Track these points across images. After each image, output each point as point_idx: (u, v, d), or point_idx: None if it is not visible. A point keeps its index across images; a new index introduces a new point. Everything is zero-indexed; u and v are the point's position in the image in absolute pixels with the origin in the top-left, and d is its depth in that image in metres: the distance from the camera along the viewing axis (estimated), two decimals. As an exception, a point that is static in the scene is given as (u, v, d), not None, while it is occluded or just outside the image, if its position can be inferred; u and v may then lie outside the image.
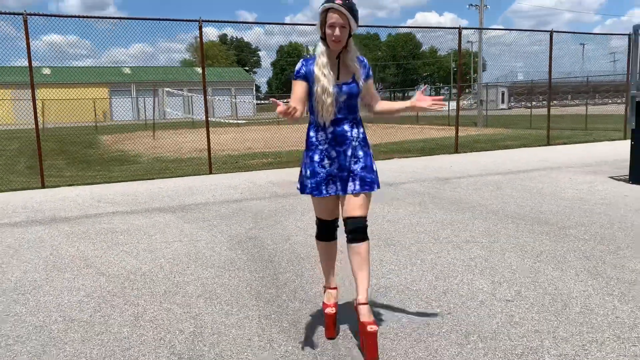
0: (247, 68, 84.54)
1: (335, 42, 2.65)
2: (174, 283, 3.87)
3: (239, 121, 27.81)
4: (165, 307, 3.40)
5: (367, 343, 2.54)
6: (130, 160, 13.39)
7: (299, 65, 2.77)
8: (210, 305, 3.42)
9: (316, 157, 2.76)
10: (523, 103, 55.08)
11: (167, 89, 26.76)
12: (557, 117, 24.97)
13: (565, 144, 13.74)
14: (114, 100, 55.22)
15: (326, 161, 2.75)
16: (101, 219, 6.17)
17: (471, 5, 37.84)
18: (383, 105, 2.93)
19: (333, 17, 2.62)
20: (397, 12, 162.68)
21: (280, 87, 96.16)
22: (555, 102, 53.36)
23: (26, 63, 8.40)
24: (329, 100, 2.66)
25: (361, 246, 2.66)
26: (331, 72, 2.68)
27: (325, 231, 2.93)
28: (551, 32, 12.46)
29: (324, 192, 2.76)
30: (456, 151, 12.26)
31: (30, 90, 8.66)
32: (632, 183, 7.34)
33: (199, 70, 66.90)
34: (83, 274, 4.16)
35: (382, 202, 6.53)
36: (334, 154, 2.74)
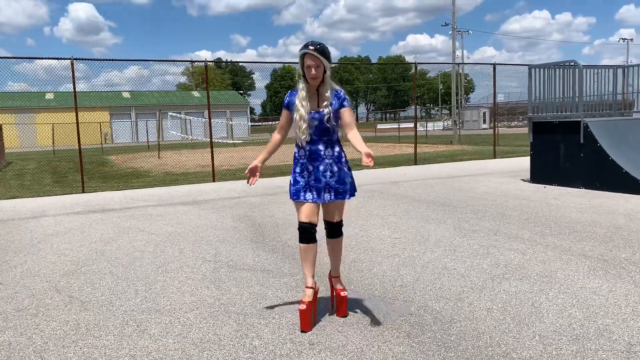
0: (241, 92, 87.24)
1: (312, 79, 3.31)
2: (201, 237, 6.28)
3: (235, 141, 30.29)
4: (196, 246, 5.80)
5: (339, 305, 3.51)
6: (143, 175, 15.77)
7: (285, 97, 3.52)
8: (225, 245, 5.83)
9: (297, 169, 3.43)
10: (504, 123, 57.98)
11: (171, 113, 29.30)
12: (523, 135, 27.60)
13: (510, 157, 16.26)
14: (114, 124, 57.62)
15: (305, 173, 3.40)
16: (138, 209, 8.57)
17: (459, 30, 40.84)
18: (352, 137, 3.30)
19: (308, 61, 3.27)
20: (388, 34, 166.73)
21: (273, 109, 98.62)
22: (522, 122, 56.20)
23: (24, 89, 10.78)
24: (303, 125, 3.34)
25: (337, 240, 3.57)
26: (308, 103, 3.35)
27: (305, 234, 3.38)
28: (494, 65, 15.08)
29: (302, 197, 3.39)
30: (415, 163, 14.74)
31: (33, 115, 10.98)
32: (532, 182, 9.81)
33: (195, 94, 69.58)
34: (140, 234, 6.55)
35: (342, 196, 8.98)
36: (310, 167, 3.38)
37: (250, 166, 3.50)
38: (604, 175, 8.47)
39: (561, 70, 9.25)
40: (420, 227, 6.31)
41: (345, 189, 3.43)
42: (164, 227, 6.92)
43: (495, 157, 16.01)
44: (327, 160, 3.40)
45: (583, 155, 8.80)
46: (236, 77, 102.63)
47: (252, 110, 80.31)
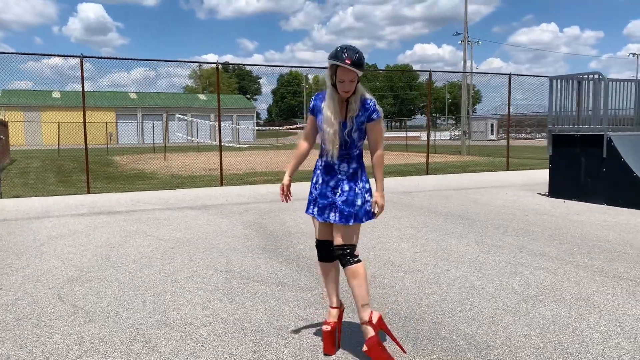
0: (248, 96, 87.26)
1: (344, 92, 2.88)
2: (211, 244, 6.01)
3: (241, 145, 30.09)
4: (207, 254, 5.54)
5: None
6: (148, 177, 15.53)
7: (311, 101, 3.12)
8: (236, 253, 5.56)
9: (314, 179, 3.12)
10: (512, 135, 57.69)
11: (178, 115, 29.12)
12: (530, 148, 27.34)
13: (522, 169, 15.97)
14: (120, 124, 57.58)
15: (318, 185, 3.08)
16: (145, 213, 8.31)
17: (461, 41, 40.56)
18: (374, 163, 3.04)
19: (342, 75, 2.81)
20: (396, 43, 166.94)
21: (280, 114, 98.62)
22: (542, 134, 55.94)
23: (30, 87, 10.55)
24: (337, 142, 2.95)
25: (347, 269, 2.94)
26: (339, 115, 2.93)
27: (320, 251, 3.14)
28: (509, 75, 14.82)
29: (310, 211, 3.12)
30: (427, 173, 14.46)
31: (39, 113, 10.78)
32: (550, 196, 9.52)
33: (202, 97, 69.55)
34: (147, 239, 6.29)
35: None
36: (322, 181, 3.07)
37: (280, 186, 3.21)
38: (627, 191, 8.18)
39: (585, 82, 8.97)
40: (440, 240, 6.03)
41: (350, 212, 2.95)
42: (172, 233, 6.66)
43: (508, 169, 15.71)
44: (339, 176, 3.03)
45: (605, 170, 8.51)
46: (243, 82, 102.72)
47: (257, 115, 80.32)
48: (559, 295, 4.08)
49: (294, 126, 40.28)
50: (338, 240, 3.00)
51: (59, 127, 31.94)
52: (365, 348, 2.92)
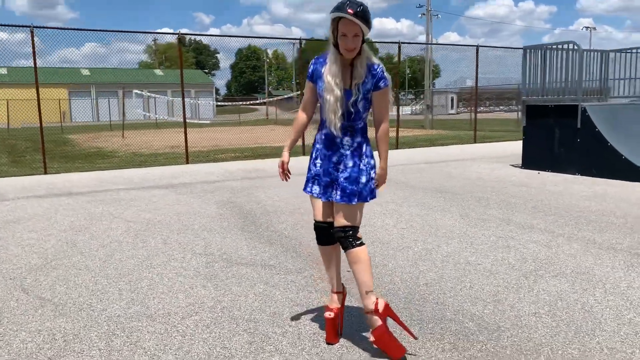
0: (206, 70, 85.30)
1: (348, 51, 2.58)
2: (184, 225, 5.65)
3: (203, 122, 29.32)
4: (181, 236, 5.18)
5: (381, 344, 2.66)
6: (109, 155, 14.84)
7: (310, 65, 2.79)
8: (213, 235, 5.23)
9: (313, 154, 2.84)
10: (471, 108, 58.36)
11: (136, 91, 28.02)
12: (493, 120, 27.62)
13: (489, 142, 16.03)
14: (73, 102, 55.37)
15: (318, 161, 2.80)
16: (109, 193, 7.83)
17: (423, 14, 40.42)
18: (379, 138, 2.79)
19: (344, 27, 2.52)
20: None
21: (239, 89, 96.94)
22: (501, 107, 56.86)
23: None
24: (340, 110, 2.65)
25: (350, 253, 2.69)
26: (342, 80, 2.65)
27: (320, 234, 2.87)
28: (477, 47, 14.71)
29: (308, 189, 2.84)
30: (397, 147, 14.31)
31: None
32: (523, 168, 9.50)
33: (158, 72, 67.54)
34: (114, 221, 5.87)
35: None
36: (323, 156, 2.77)
37: (279, 164, 2.88)
38: (601, 161, 8.19)
39: (558, 52, 8.89)
40: (425, 215, 5.84)
41: (354, 190, 2.68)
42: (141, 214, 6.26)
43: (475, 142, 15.73)
44: (342, 151, 2.74)
45: (580, 140, 8.50)
46: (200, 56, 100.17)
47: (217, 91, 78.65)
48: (558, 269, 3.94)
49: (256, 102, 39.61)
50: (339, 221, 2.73)
51: (7, 105, 30.34)
52: (372, 338, 2.67)
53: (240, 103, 39.70)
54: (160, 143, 18.25)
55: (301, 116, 2.89)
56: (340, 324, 2.93)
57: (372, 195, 2.77)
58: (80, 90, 57.72)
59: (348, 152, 2.73)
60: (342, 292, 2.94)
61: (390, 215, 5.87)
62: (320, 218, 2.84)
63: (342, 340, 2.85)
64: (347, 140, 2.73)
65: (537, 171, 9.04)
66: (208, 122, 32.26)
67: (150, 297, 3.55)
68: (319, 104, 2.82)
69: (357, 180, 2.70)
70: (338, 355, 2.70)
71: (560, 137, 8.81)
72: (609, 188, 7.34)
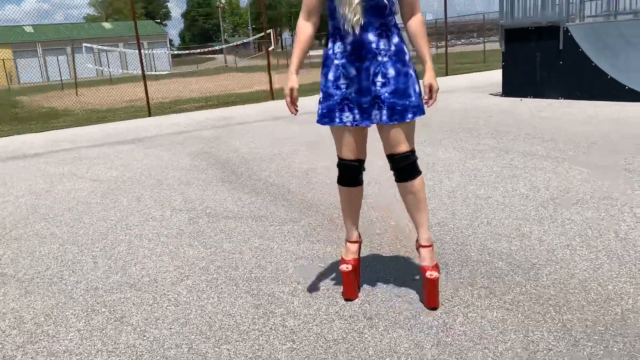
0: (157, 20, 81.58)
1: None
2: (157, 180, 5.13)
3: (158, 73, 28.01)
4: (156, 192, 4.68)
5: (427, 290, 2.29)
6: (63, 114, 13.89)
7: None
8: (192, 188, 4.74)
9: (330, 75, 2.23)
10: (433, 43, 57.69)
11: (85, 44, 26.38)
12: (457, 54, 27.18)
13: (461, 74, 15.66)
14: (18, 62, 52.40)
15: (342, 80, 2.21)
16: (69, 152, 7.18)
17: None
18: (414, 30, 2.25)
19: None
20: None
21: (193, 39, 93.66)
22: (463, 40, 56.33)
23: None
24: (355, 1, 2.09)
25: (413, 184, 2.30)
26: None
27: (346, 174, 2.38)
28: (444, -26, 14.07)
29: (337, 120, 2.26)
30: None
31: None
32: (504, 96, 9.17)
33: (106, 25, 64.25)
34: (79, 182, 5.31)
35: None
36: (353, 71, 2.19)
37: (287, 92, 2.22)
38: (585, 83, 7.90)
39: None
40: (417, 149, 5.44)
41: (405, 105, 2.18)
42: (108, 172, 5.69)
43: (447, 75, 15.32)
44: (380, 58, 2.16)
45: (562, 63, 8.16)
46: (150, 6, 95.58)
47: (170, 42, 75.55)
48: (576, 196, 3.63)
49: (213, 48, 38.05)
50: (396, 148, 2.27)
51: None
52: (433, 274, 2.26)
53: (197, 51, 38.12)
54: (117, 97, 17.27)
55: (304, 26, 2.29)
56: (358, 277, 2.55)
57: (422, 111, 2.29)
58: (25, 49, 54.54)
59: (386, 59, 2.17)
60: (359, 242, 2.55)
61: (377, 154, 5.46)
62: (350, 155, 2.34)
63: (361, 295, 2.48)
64: (383, 43, 2.16)
65: (520, 98, 8.72)
66: (165, 72, 30.87)
67: (131, 263, 3.10)
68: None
69: (406, 92, 2.19)
70: (361, 311, 2.33)
71: (542, 60, 8.45)
72: (598, 109, 7.08)
